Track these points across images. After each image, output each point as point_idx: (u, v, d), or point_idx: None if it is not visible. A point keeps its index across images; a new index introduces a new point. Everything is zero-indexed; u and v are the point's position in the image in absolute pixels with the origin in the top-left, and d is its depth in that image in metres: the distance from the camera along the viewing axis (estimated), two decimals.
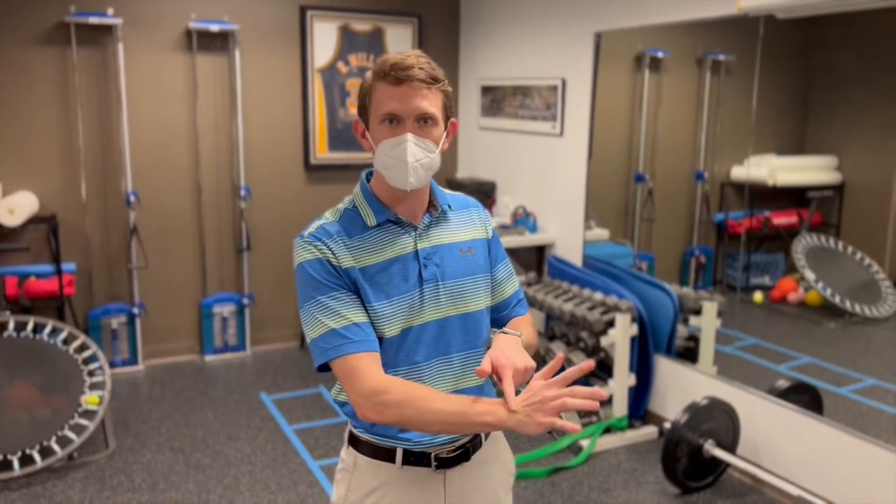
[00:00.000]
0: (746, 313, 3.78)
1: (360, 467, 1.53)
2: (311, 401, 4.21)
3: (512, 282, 1.68)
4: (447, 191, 1.62)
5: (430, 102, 1.42)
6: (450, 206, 1.58)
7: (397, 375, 1.47)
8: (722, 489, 3.32)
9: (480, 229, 1.61)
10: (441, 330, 1.50)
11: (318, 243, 1.44)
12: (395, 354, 1.47)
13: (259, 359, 4.87)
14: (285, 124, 4.91)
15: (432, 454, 1.51)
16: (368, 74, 1.46)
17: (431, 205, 1.54)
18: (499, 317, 1.66)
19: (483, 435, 1.58)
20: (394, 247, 1.48)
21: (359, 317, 1.42)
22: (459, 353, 1.53)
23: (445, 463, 1.52)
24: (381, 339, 1.45)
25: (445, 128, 1.48)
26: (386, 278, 1.46)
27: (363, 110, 1.47)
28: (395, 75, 1.39)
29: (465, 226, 1.58)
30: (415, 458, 1.50)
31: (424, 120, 1.42)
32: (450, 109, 1.49)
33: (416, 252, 1.49)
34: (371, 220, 1.48)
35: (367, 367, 1.38)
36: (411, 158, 1.40)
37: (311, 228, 1.48)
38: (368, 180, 1.53)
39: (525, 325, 1.64)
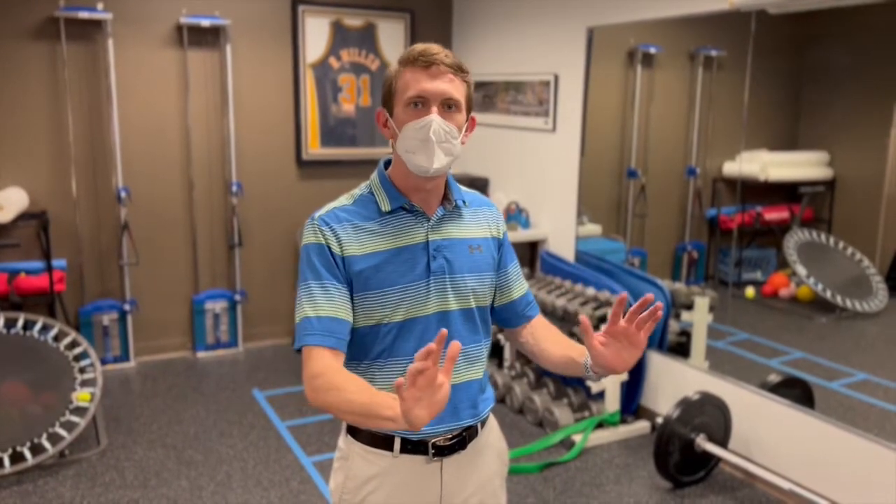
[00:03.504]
0: (738, 308, 3.80)
1: (357, 456, 1.54)
2: (303, 397, 4.20)
3: (521, 284, 1.70)
4: (464, 188, 1.63)
5: (456, 88, 1.44)
6: (464, 202, 1.59)
7: (399, 365, 1.48)
8: (714, 483, 3.33)
9: (493, 229, 1.63)
10: (444, 323, 1.51)
11: (325, 228, 1.46)
12: (395, 342, 1.48)
13: (251, 355, 4.86)
14: (277, 120, 4.89)
15: (430, 442, 1.52)
16: (393, 65, 1.48)
17: (446, 198, 1.56)
18: (511, 316, 1.68)
19: (479, 424, 1.59)
20: (405, 235, 1.49)
21: (333, 311, 1.43)
22: (462, 348, 1.53)
23: (442, 451, 1.53)
24: (382, 326, 1.47)
25: (466, 119, 1.49)
26: (393, 265, 1.47)
27: (387, 99, 1.49)
28: (424, 60, 1.42)
29: (477, 223, 1.60)
30: (412, 447, 1.51)
31: (449, 105, 1.44)
32: (471, 103, 1.50)
33: (427, 243, 1.50)
34: (385, 206, 1.50)
35: (317, 355, 1.40)
36: (435, 138, 1.41)
37: (323, 210, 1.50)
38: (386, 168, 1.55)
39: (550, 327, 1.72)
